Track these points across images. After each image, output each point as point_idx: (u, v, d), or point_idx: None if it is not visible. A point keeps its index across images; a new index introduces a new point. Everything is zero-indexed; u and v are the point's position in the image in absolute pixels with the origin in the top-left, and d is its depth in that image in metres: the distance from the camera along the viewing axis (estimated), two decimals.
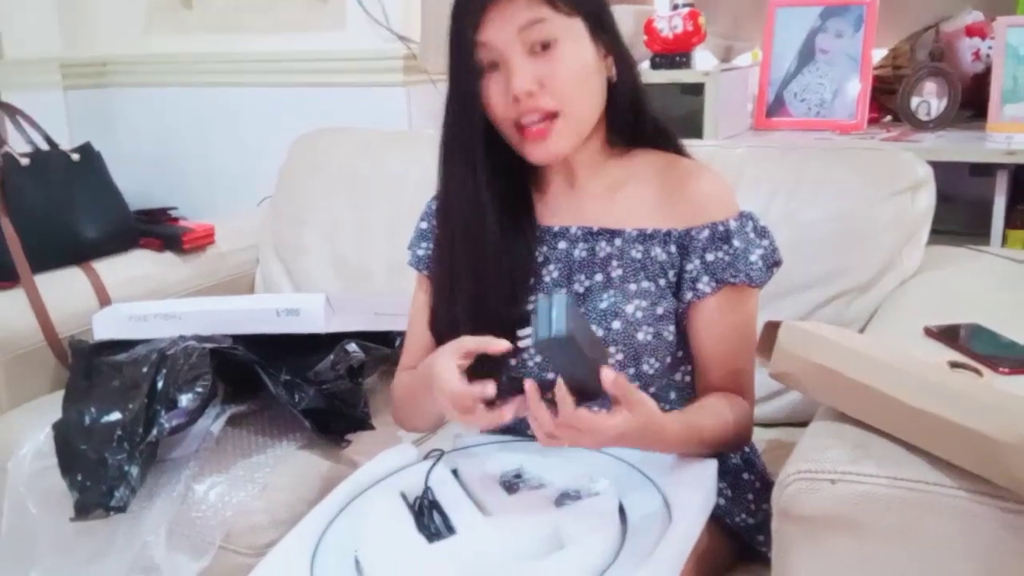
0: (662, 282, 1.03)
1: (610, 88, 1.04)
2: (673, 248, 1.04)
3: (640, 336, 1.02)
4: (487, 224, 1.04)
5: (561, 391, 0.84)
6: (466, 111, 1.01)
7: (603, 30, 1.02)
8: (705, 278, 1.02)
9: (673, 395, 1.10)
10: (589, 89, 1.01)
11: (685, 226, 1.03)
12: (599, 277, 1.06)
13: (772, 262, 1.05)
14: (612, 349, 1.03)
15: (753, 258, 1.02)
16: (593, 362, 0.84)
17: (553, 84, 0.97)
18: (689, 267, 1.03)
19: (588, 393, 0.86)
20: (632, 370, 1.04)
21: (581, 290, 1.06)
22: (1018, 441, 0.71)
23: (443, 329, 1.06)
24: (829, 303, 1.39)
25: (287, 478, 1.27)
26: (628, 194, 1.08)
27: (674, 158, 1.09)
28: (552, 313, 0.79)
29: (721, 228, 1.02)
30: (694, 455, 0.99)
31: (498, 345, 0.92)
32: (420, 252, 1.17)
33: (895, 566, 0.78)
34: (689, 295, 1.03)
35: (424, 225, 1.18)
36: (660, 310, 1.03)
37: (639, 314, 1.02)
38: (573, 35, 0.98)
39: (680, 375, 1.10)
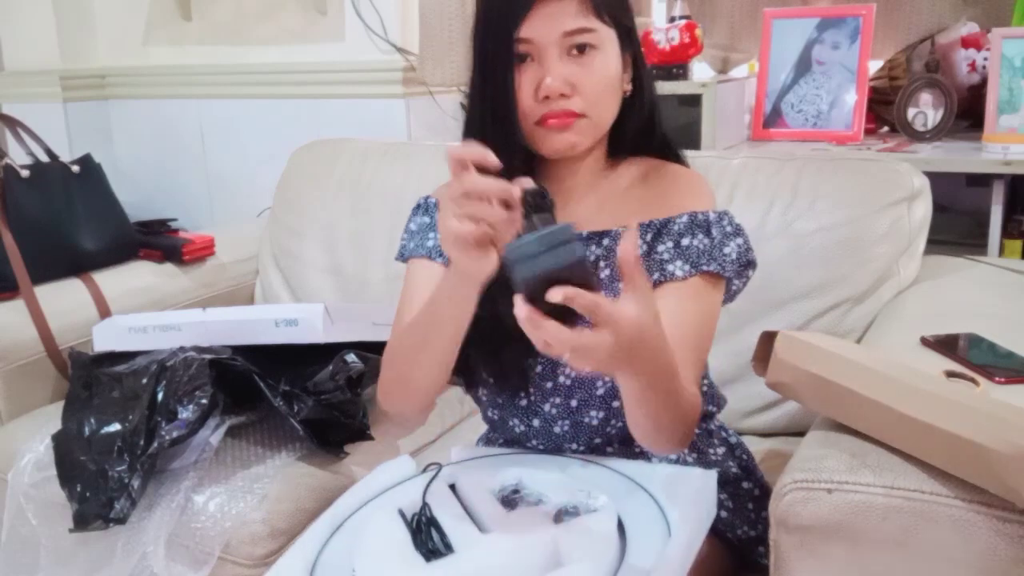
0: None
1: (623, 102, 1.04)
2: (649, 237, 1.02)
3: None
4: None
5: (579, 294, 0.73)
6: (500, 101, 0.99)
7: (630, 45, 1.03)
8: (679, 262, 1.00)
9: None
10: (613, 98, 1.02)
11: (665, 216, 1.03)
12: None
13: (746, 261, 1.03)
14: None
15: (727, 250, 1.01)
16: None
17: (585, 88, 0.98)
18: (661, 248, 1.01)
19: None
20: None
21: None
22: (1014, 451, 0.71)
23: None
24: (826, 313, 1.40)
25: (286, 489, 1.28)
26: (617, 199, 1.08)
27: (661, 162, 1.09)
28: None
29: (701, 217, 1.01)
30: (647, 410, 0.88)
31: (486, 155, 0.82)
32: (430, 243, 1.12)
33: (892, 575, 0.79)
34: (656, 275, 1.00)
35: (427, 219, 1.14)
36: None
37: None
38: (609, 45, 1.00)
39: None
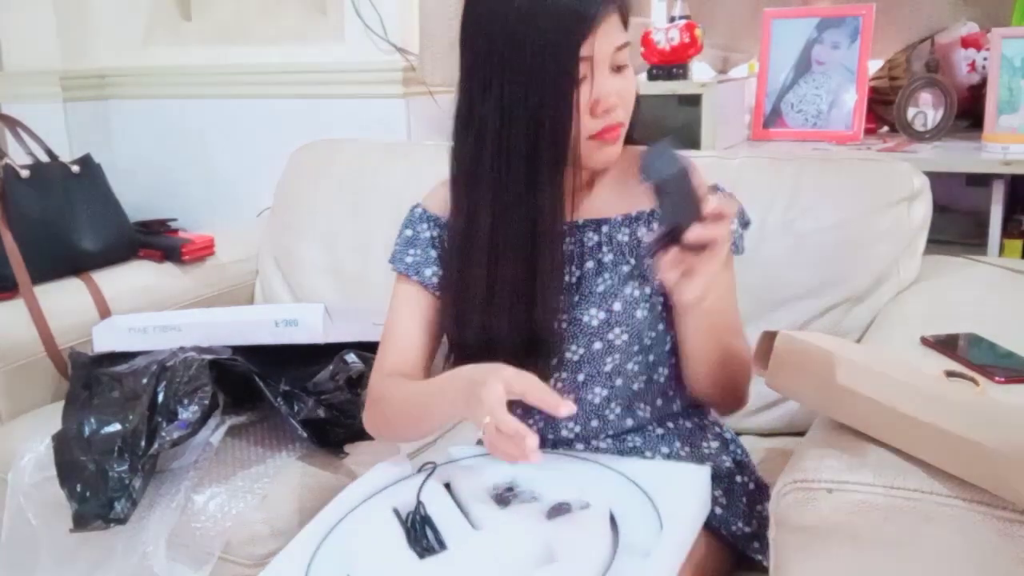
0: (649, 260, 1.05)
1: None
2: (655, 225, 1.06)
3: (639, 313, 1.06)
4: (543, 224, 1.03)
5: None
6: (558, 120, 0.98)
7: None
8: None
9: (672, 356, 1.12)
10: None
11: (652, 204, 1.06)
12: (590, 264, 1.08)
13: (743, 222, 1.11)
14: (617, 329, 1.06)
15: (732, 225, 1.05)
16: (697, 198, 0.86)
17: (627, 100, 1.03)
18: None
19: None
20: (636, 346, 1.08)
21: (572, 280, 1.08)
22: (1013, 451, 0.71)
23: (463, 333, 1.07)
24: (826, 313, 1.40)
25: (286, 489, 1.28)
26: (608, 186, 1.11)
27: (635, 148, 1.11)
28: (664, 155, 0.86)
29: None
30: (718, 355, 1.05)
31: (559, 408, 0.89)
32: (409, 260, 1.17)
33: (893, 575, 0.79)
34: None
35: (409, 232, 1.18)
36: (649, 288, 1.07)
37: (636, 292, 1.06)
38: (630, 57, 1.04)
39: (669, 341, 1.12)
